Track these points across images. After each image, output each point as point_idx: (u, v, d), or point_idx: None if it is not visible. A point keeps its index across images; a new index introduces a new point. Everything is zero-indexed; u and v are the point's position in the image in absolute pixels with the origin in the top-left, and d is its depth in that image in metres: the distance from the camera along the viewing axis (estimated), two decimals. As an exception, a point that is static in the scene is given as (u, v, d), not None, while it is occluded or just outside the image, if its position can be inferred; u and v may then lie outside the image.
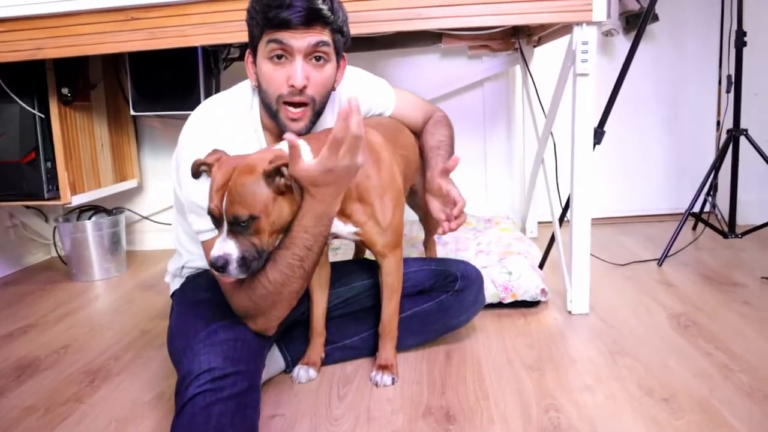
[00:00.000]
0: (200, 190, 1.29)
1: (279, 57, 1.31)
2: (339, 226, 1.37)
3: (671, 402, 1.34)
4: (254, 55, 1.37)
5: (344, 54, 1.45)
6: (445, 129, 1.69)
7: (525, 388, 1.45)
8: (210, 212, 1.20)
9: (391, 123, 1.65)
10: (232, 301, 1.33)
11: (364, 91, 1.60)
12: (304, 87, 1.32)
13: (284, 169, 1.19)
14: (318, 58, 1.33)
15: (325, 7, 1.29)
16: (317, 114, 1.39)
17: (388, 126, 1.60)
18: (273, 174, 1.19)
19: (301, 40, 1.29)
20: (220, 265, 1.17)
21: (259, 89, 1.38)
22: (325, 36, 1.32)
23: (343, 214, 1.36)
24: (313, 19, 1.28)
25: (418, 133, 1.73)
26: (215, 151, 1.26)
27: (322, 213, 1.25)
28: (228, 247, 1.18)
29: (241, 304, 1.32)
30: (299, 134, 1.35)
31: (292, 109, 1.34)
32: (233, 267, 1.18)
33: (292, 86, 1.31)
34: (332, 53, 1.36)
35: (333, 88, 1.43)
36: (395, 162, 1.49)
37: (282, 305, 1.32)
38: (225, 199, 1.17)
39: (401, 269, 1.51)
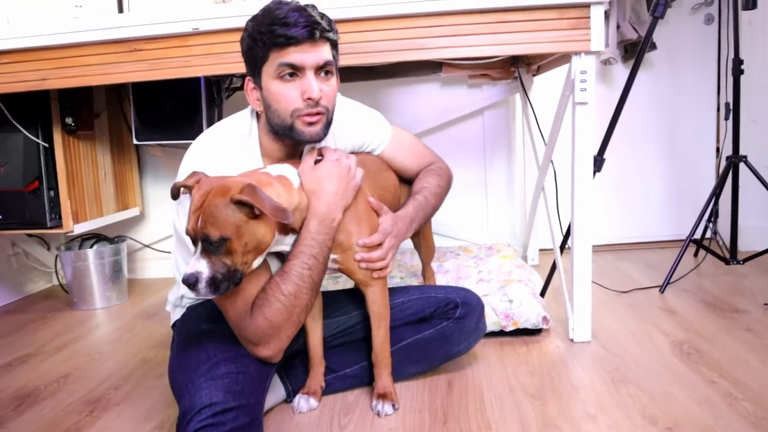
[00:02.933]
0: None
1: (291, 75, 1.35)
2: None
3: (675, 431, 1.33)
4: (257, 78, 1.39)
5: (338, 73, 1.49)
6: (434, 178, 1.67)
7: (527, 417, 1.44)
8: (186, 232, 1.23)
9: (374, 162, 1.64)
10: (249, 325, 1.32)
11: (359, 125, 1.62)
12: (319, 99, 1.36)
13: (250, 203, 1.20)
14: (326, 72, 1.38)
15: (324, 23, 1.35)
16: (329, 123, 1.43)
17: (368, 164, 1.59)
18: (239, 203, 1.21)
19: (310, 55, 1.33)
20: (190, 282, 1.19)
21: (267, 111, 1.40)
22: (329, 53, 1.38)
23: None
24: (317, 33, 1.32)
25: (408, 179, 1.72)
26: (194, 173, 1.28)
27: (325, 216, 1.33)
28: (199, 266, 1.20)
29: (258, 326, 1.31)
30: (317, 139, 1.40)
31: (307, 117, 1.37)
32: (202, 285, 1.20)
33: (309, 99, 1.35)
34: (335, 68, 1.42)
35: None
36: (371, 194, 1.52)
37: (292, 321, 1.34)
38: (199, 219, 1.20)
39: (386, 297, 1.51)
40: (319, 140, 1.42)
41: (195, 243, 1.22)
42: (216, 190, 1.21)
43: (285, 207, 1.23)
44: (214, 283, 1.21)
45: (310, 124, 1.37)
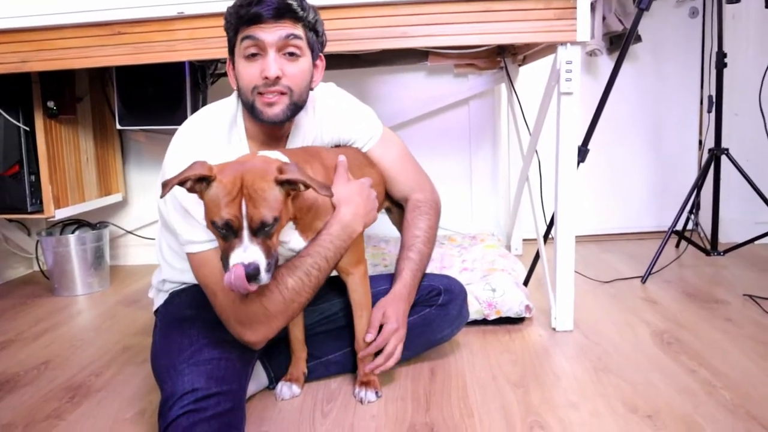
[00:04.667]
0: (195, 200, 1.27)
1: (254, 55, 1.34)
2: (300, 243, 1.36)
3: (655, 419, 1.34)
4: (233, 58, 1.40)
5: (322, 56, 1.47)
6: (424, 221, 1.63)
7: (509, 405, 1.45)
8: (228, 223, 1.14)
9: (359, 156, 1.62)
10: (242, 308, 1.29)
11: (348, 118, 1.60)
12: (278, 78, 1.34)
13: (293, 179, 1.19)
14: (291, 54, 1.36)
15: (294, 3, 1.33)
16: (296, 105, 1.40)
17: (351, 157, 1.57)
18: (284, 183, 1.19)
19: (271, 33, 1.32)
20: (251, 272, 1.13)
21: (238, 90, 1.40)
22: (297, 30, 1.35)
23: (304, 231, 1.36)
24: (283, 12, 1.31)
25: (393, 197, 1.70)
26: (196, 163, 1.19)
27: (348, 224, 1.37)
28: (256, 254, 1.14)
29: (252, 311, 1.29)
30: (276, 121, 1.37)
31: (266, 97, 1.35)
32: (264, 274, 1.15)
33: (266, 78, 1.33)
34: (305, 48, 1.38)
35: (311, 88, 1.45)
36: None
37: (286, 315, 1.33)
38: (244, 206, 1.14)
39: (367, 285, 1.51)
40: (281, 122, 1.39)
41: (233, 231, 1.15)
42: (252, 173, 1.16)
43: (327, 184, 1.23)
44: (270, 267, 1.17)
45: (269, 104, 1.35)
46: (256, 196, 1.15)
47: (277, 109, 1.36)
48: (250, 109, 1.38)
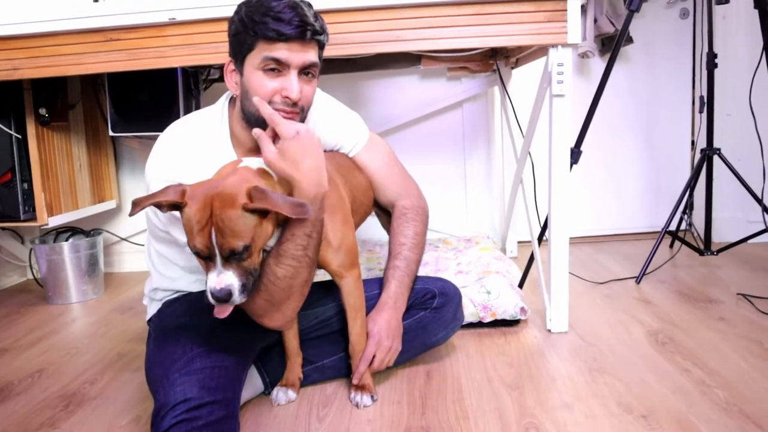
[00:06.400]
0: None
1: (273, 69, 1.33)
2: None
3: (650, 419, 1.35)
4: (239, 63, 1.37)
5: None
6: (411, 227, 1.63)
7: (505, 407, 1.45)
8: (195, 250, 1.18)
9: (347, 160, 1.63)
10: (248, 305, 1.31)
11: (335, 124, 1.60)
12: (297, 100, 1.35)
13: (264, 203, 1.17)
14: (307, 74, 1.38)
15: (317, 25, 1.34)
16: (302, 122, 1.42)
17: (340, 161, 1.58)
18: (254, 211, 1.18)
19: (298, 55, 1.33)
20: (223, 297, 1.17)
21: (243, 97, 1.38)
22: (315, 56, 1.37)
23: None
24: (307, 33, 1.31)
25: (380, 202, 1.70)
26: (168, 187, 1.19)
27: (314, 195, 1.27)
28: (228, 279, 1.17)
29: (259, 305, 1.31)
30: None
31: (282, 113, 1.35)
32: (237, 296, 1.18)
33: (287, 98, 1.34)
34: (318, 71, 1.41)
35: None
36: (343, 188, 1.51)
37: (295, 297, 1.34)
38: (213, 235, 1.15)
39: (361, 288, 1.51)
40: None
41: (208, 258, 1.18)
42: (220, 200, 1.15)
43: (302, 201, 1.20)
44: (245, 289, 1.20)
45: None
46: (224, 226, 1.15)
47: None
48: (259, 121, 1.35)
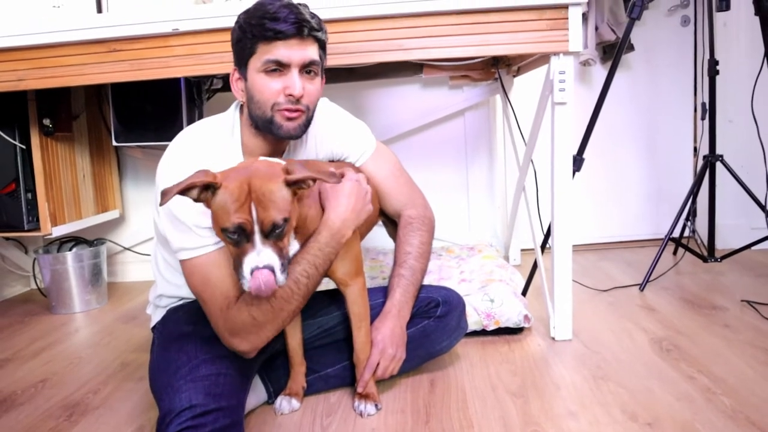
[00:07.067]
0: (184, 206, 1.29)
1: (275, 70, 1.36)
2: (296, 247, 1.37)
3: (655, 426, 1.34)
4: (243, 69, 1.41)
5: (323, 75, 1.51)
6: (416, 236, 1.63)
7: (509, 416, 1.44)
8: (240, 227, 1.16)
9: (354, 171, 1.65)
10: (231, 317, 1.30)
11: (342, 133, 1.61)
12: (300, 96, 1.37)
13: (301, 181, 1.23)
14: (309, 72, 1.40)
15: (313, 22, 1.37)
16: (308, 122, 1.44)
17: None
18: (293, 183, 1.21)
19: (296, 52, 1.35)
20: (265, 277, 1.15)
21: (250, 102, 1.41)
22: (315, 53, 1.40)
23: (300, 235, 1.37)
24: (304, 30, 1.34)
25: (386, 212, 1.70)
26: (201, 171, 1.20)
27: (337, 230, 1.35)
28: (268, 257, 1.16)
29: (241, 320, 1.31)
30: (293, 135, 1.41)
31: (287, 112, 1.38)
32: (279, 274, 1.17)
33: (290, 95, 1.36)
34: (320, 69, 1.43)
35: None
36: None
37: (276, 324, 1.34)
38: (254, 209, 1.16)
39: (365, 297, 1.51)
40: (297, 137, 1.43)
41: (245, 236, 1.17)
42: (259, 176, 1.18)
43: (333, 170, 1.23)
44: (285, 268, 1.19)
45: (290, 119, 1.38)
46: (265, 199, 1.16)
47: (296, 123, 1.40)
48: (266, 124, 1.39)
